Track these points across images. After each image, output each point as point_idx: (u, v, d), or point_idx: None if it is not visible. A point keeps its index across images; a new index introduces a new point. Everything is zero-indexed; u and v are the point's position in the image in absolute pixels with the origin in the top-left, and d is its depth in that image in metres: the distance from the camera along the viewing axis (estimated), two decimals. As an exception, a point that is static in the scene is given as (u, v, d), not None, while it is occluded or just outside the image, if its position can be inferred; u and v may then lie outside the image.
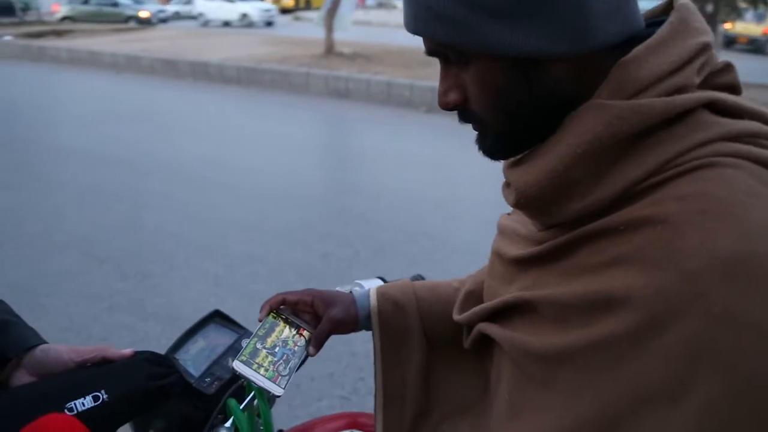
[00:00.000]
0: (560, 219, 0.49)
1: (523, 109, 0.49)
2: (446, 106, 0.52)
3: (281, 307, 0.85)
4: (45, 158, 5.22)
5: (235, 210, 4.12)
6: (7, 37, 11.19)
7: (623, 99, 0.45)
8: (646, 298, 0.39)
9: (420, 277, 1.02)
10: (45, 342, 0.78)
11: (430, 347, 0.80)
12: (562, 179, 0.47)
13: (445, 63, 0.52)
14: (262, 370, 0.75)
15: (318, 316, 0.84)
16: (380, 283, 0.99)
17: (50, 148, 5.49)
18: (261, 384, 0.73)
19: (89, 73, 9.46)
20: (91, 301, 3.01)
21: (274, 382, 0.75)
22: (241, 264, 3.39)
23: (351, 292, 0.89)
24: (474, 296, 0.73)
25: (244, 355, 0.76)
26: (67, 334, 2.72)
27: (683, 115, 0.44)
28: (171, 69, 9.49)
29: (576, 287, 0.46)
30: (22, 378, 0.73)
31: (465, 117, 0.53)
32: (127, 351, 0.77)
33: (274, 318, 0.83)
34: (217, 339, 0.95)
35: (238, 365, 0.74)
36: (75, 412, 0.66)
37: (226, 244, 3.64)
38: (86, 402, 0.67)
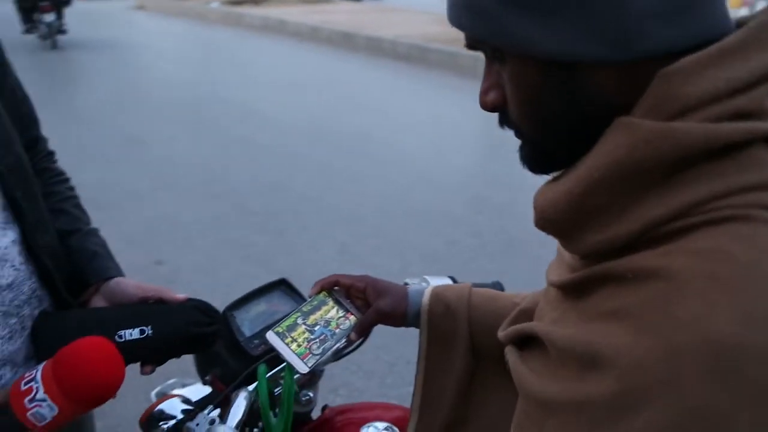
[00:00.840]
0: (582, 250, 0.44)
1: (558, 118, 0.43)
2: (485, 106, 0.48)
3: (335, 288, 0.86)
4: (229, 115, 5.84)
5: (374, 184, 4.25)
6: (215, 4, 12.62)
7: (662, 119, 0.37)
8: (628, 367, 0.35)
9: (498, 285, 0.96)
10: (122, 275, 0.87)
11: (475, 358, 0.79)
12: (579, 205, 0.41)
13: (487, 59, 0.48)
14: (294, 345, 0.76)
15: (369, 304, 0.84)
16: (448, 282, 0.95)
17: (236, 106, 6.13)
18: (287, 358, 0.75)
19: (276, 41, 10.33)
20: (230, 247, 3.34)
21: (302, 359, 0.75)
22: (367, 236, 3.50)
23: (407, 285, 0.88)
24: (526, 315, 0.68)
25: (281, 327, 0.78)
26: (199, 274, 3.06)
27: (733, 149, 0.36)
28: (347, 42, 9.95)
29: (579, 333, 0.41)
30: (97, 302, 0.83)
31: (504, 121, 0.48)
32: (181, 296, 0.83)
33: (324, 297, 0.84)
34: (279, 306, 0.99)
35: (270, 335, 0.76)
36: (123, 339, 0.74)
37: (358, 215, 3.78)
38: (134, 333, 0.75)
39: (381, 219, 3.72)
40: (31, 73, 7.25)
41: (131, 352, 0.74)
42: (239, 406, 0.75)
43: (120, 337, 0.75)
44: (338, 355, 0.88)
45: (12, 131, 0.74)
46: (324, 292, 0.85)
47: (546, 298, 0.60)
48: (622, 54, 0.37)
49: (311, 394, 0.96)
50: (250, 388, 0.79)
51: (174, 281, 2.96)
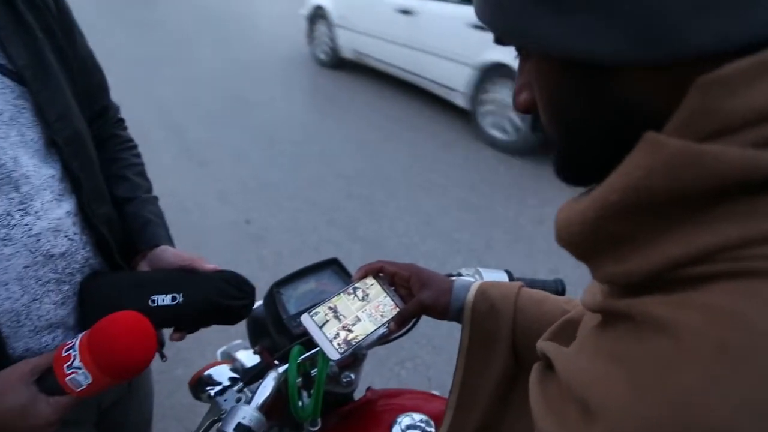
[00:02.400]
0: (602, 279, 0.39)
1: (581, 124, 0.38)
2: (517, 107, 0.44)
3: (379, 274, 0.85)
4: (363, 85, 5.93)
5: (465, 153, 4.15)
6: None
7: (693, 138, 0.30)
8: (612, 422, 0.31)
9: (560, 284, 0.91)
10: (170, 243, 0.91)
11: (516, 363, 0.76)
12: (594, 229, 0.36)
13: (520, 57, 0.44)
14: (329, 330, 0.76)
15: (412, 294, 0.83)
16: (503, 277, 0.91)
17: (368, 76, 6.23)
18: (320, 343, 0.74)
19: None
20: (318, 210, 3.43)
21: (335, 346, 0.75)
22: (453, 208, 3.45)
23: (458, 276, 0.85)
24: (572, 326, 0.63)
25: (319, 310, 0.78)
26: (288, 234, 3.17)
27: None
28: None
29: (583, 370, 0.37)
30: (143, 267, 0.87)
31: (537, 124, 0.44)
32: (210, 266, 0.84)
33: (368, 283, 0.84)
34: (328, 285, 1.00)
35: (306, 318, 0.76)
36: (156, 304, 0.77)
37: (447, 185, 3.72)
38: (166, 299, 0.77)
39: (468, 192, 3.64)
40: (151, 33, 7.77)
41: (162, 317, 0.76)
42: (266, 387, 0.76)
43: (153, 301, 0.76)
44: (376, 343, 0.88)
45: (73, 103, 0.76)
46: (368, 278, 0.84)
47: (585, 316, 0.56)
48: (649, 54, 0.30)
49: (353, 376, 0.96)
50: (281, 369, 0.80)
51: (261, 240, 3.10)
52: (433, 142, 4.36)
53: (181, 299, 0.77)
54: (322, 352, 0.75)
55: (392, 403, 0.99)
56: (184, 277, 0.80)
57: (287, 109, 5.05)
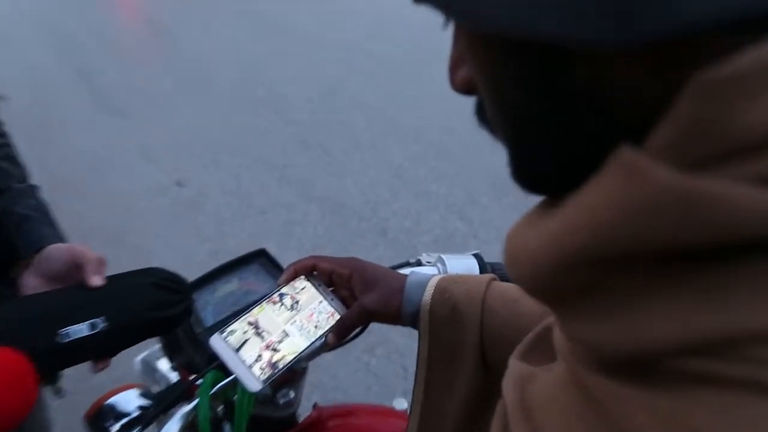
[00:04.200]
0: (571, 337, 0.35)
1: (534, 121, 0.33)
2: (454, 86, 0.39)
3: (313, 273, 0.82)
4: (310, 17, 5.70)
5: (443, 92, 4.07)
6: None
7: (688, 163, 0.24)
8: None
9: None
10: (59, 240, 0.82)
11: (488, 377, 0.74)
12: (552, 278, 0.31)
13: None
14: (248, 353, 0.72)
15: (356, 296, 0.80)
16: (470, 265, 0.87)
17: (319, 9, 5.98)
18: (235, 370, 0.70)
19: None
20: (264, 167, 3.34)
21: (255, 374, 0.70)
22: (428, 157, 3.41)
23: (408, 273, 0.81)
24: (551, 335, 0.61)
25: (234, 327, 0.74)
26: (230, 197, 3.09)
27: None
28: None
29: None
30: (28, 279, 0.79)
31: (480, 112, 0.39)
32: (93, 254, 0.77)
33: (299, 285, 0.80)
34: (254, 284, 0.94)
35: (216, 340, 0.71)
36: (69, 339, 0.69)
37: (421, 129, 3.66)
38: (82, 329, 0.70)
39: (446, 135, 3.58)
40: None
41: (79, 353, 0.70)
42: (169, 430, 0.71)
43: (64, 336, 0.69)
44: (316, 356, 0.85)
45: None
46: (299, 280, 0.80)
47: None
48: (623, 34, 0.24)
49: (292, 394, 0.92)
50: (190, 406, 0.75)
51: (197, 206, 3.02)
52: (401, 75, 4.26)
53: (103, 325, 0.71)
54: (239, 383, 0.71)
55: (345, 424, 0.97)
56: (102, 293, 0.74)
57: (223, 41, 4.84)
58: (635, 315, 0.28)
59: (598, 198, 0.27)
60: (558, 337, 0.41)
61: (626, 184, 0.25)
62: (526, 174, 0.36)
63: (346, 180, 3.22)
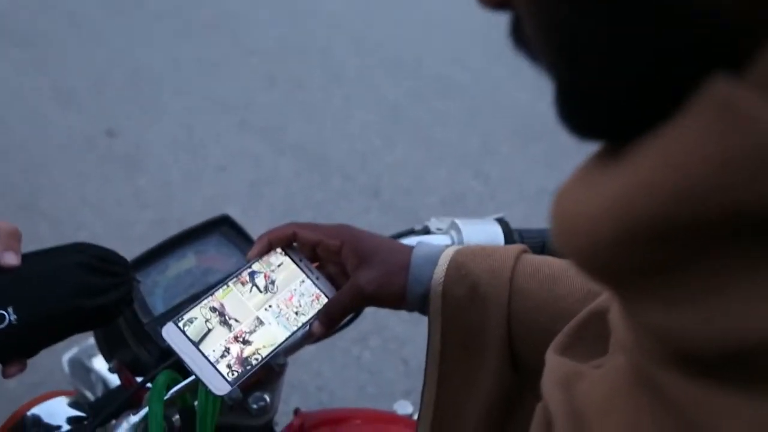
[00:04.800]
0: (638, 320, 0.37)
1: (598, 51, 0.33)
2: (485, 2, 0.39)
3: (293, 245, 0.84)
4: None
5: (451, 2, 4.05)
6: None
7: None
8: None
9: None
10: None
11: (516, 374, 0.77)
12: (616, 252, 0.32)
13: None
14: (211, 347, 0.73)
15: (347, 274, 0.82)
16: (494, 232, 0.89)
17: None
18: (195, 369, 0.71)
19: None
20: (220, 109, 3.35)
21: (221, 372, 0.72)
22: (431, 93, 3.42)
23: (413, 245, 0.84)
24: (600, 322, 0.64)
25: (194, 315, 0.75)
26: (176, 150, 3.10)
27: None
28: None
29: None
30: None
31: (518, 35, 0.39)
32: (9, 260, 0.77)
33: (275, 260, 0.81)
34: (216, 260, 0.96)
35: (170, 330, 0.73)
36: None
37: (422, 57, 3.67)
38: None
39: (454, 68, 3.58)
40: None
41: None
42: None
43: None
44: (297, 349, 0.87)
45: None
46: (275, 253, 0.82)
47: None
48: None
49: (267, 398, 0.94)
50: (139, 415, 0.76)
51: (134, 163, 3.03)
52: (396, -14, 4.22)
53: (13, 318, 0.72)
54: (201, 384, 0.72)
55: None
56: (15, 276, 0.74)
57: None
58: (728, 300, 0.29)
59: (683, 148, 0.27)
60: (617, 324, 0.42)
61: (723, 129, 0.26)
62: (579, 113, 0.37)
63: (325, 124, 3.23)
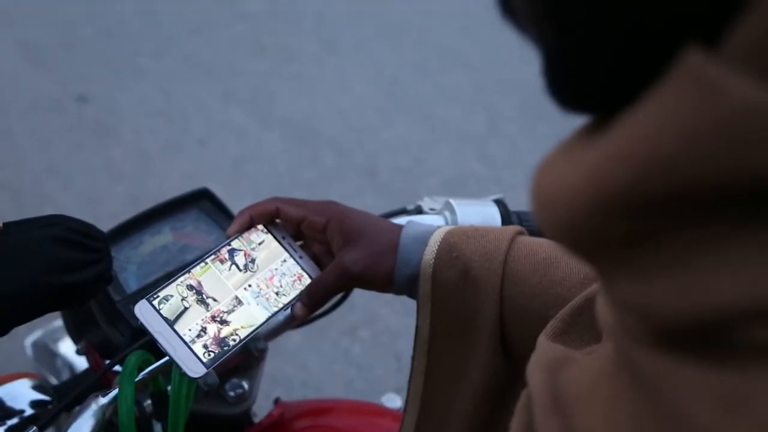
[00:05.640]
0: (612, 297, 0.40)
1: (587, 17, 0.35)
2: None
3: (276, 221, 0.85)
4: None
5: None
6: None
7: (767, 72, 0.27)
8: None
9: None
10: None
11: (508, 361, 0.79)
12: (593, 222, 0.34)
13: None
14: (186, 326, 0.75)
15: (332, 253, 0.83)
16: (491, 213, 0.91)
17: None
18: (169, 350, 0.73)
19: None
20: (203, 76, 3.36)
21: (197, 353, 0.73)
22: (434, 66, 3.43)
23: (404, 224, 0.85)
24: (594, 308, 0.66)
25: (170, 292, 0.76)
26: (155, 119, 3.11)
27: None
28: None
29: None
30: None
31: (505, 5, 0.42)
32: None
33: (256, 237, 0.83)
34: (194, 237, 0.97)
35: (143, 308, 0.74)
36: None
37: (424, 27, 3.66)
38: None
39: (459, 39, 3.58)
40: None
41: None
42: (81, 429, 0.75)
43: None
44: (280, 332, 0.90)
45: None
46: (256, 230, 0.83)
47: None
48: None
49: (246, 385, 0.96)
50: (109, 396, 0.78)
51: (108, 131, 3.04)
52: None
53: None
54: (175, 365, 0.74)
55: (317, 425, 1.01)
56: None
57: None
58: (698, 272, 0.31)
59: (657, 118, 0.29)
60: (602, 307, 0.44)
61: (695, 100, 0.28)
62: (566, 84, 0.39)
63: (317, 97, 3.24)
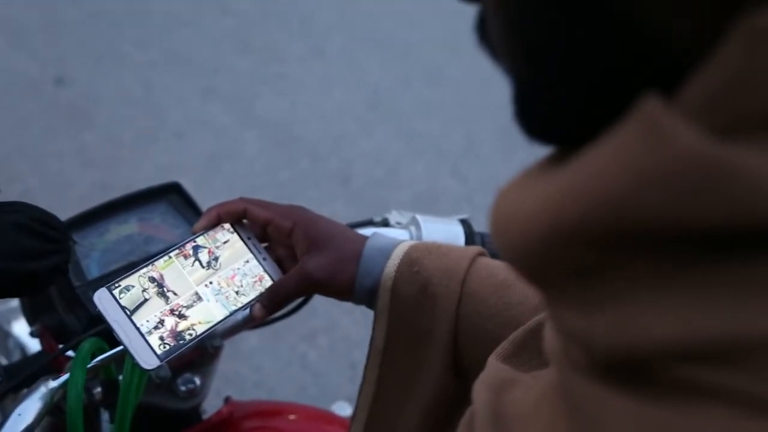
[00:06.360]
0: (556, 324, 0.42)
1: (553, 50, 0.37)
2: None
3: (243, 221, 0.86)
4: None
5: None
6: None
7: (725, 126, 0.29)
8: None
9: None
10: None
11: (460, 383, 0.79)
12: (544, 251, 0.36)
13: None
14: (144, 317, 0.75)
15: (296, 258, 0.83)
16: (455, 232, 0.92)
17: None
18: (124, 339, 0.73)
19: None
20: (185, 69, 3.35)
21: (152, 345, 0.74)
22: (418, 80, 3.43)
23: (368, 235, 0.86)
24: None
25: (130, 282, 0.77)
26: (131, 107, 3.09)
27: None
28: None
29: None
30: None
31: (483, 29, 0.43)
32: None
33: (222, 236, 0.84)
34: (160, 229, 0.98)
35: (102, 296, 0.75)
36: None
37: (413, 40, 3.68)
38: None
39: (446, 56, 3.60)
40: None
41: None
42: (26, 414, 0.74)
43: None
44: (238, 330, 0.91)
45: None
46: (221, 228, 0.84)
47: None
48: None
49: (198, 381, 0.96)
50: (59, 380, 0.78)
51: (83, 115, 3.03)
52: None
53: None
54: (129, 355, 0.75)
55: (265, 427, 1.02)
56: None
57: None
58: (633, 307, 0.32)
59: (609, 159, 0.31)
60: (549, 333, 0.46)
61: (645, 145, 0.30)
62: (533, 115, 0.41)
63: (298, 100, 3.24)
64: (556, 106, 0.39)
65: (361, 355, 2.23)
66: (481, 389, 0.51)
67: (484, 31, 0.42)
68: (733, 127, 0.29)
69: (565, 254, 0.34)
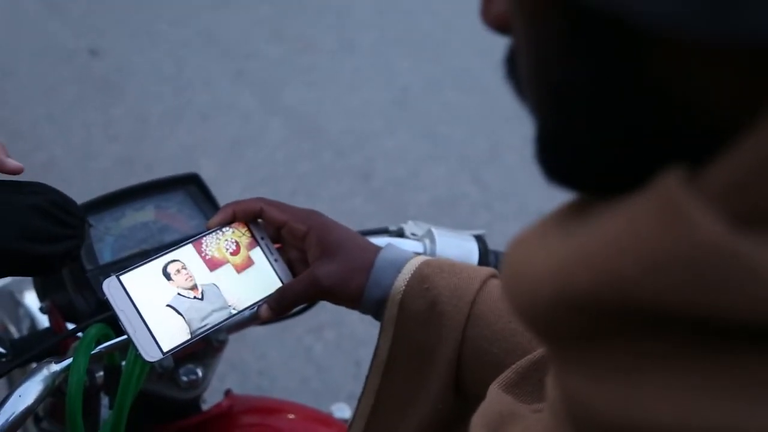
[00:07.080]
0: (560, 385, 0.40)
1: (582, 105, 0.36)
2: (487, 20, 0.43)
3: (258, 221, 0.86)
4: None
5: None
6: None
7: (739, 211, 0.28)
8: None
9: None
10: None
11: (459, 404, 0.79)
12: (552, 313, 0.35)
13: None
14: (151, 310, 0.75)
15: (308, 262, 0.83)
16: (469, 248, 0.92)
17: None
18: (129, 329, 0.73)
19: None
20: (217, 52, 3.35)
21: (154, 337, 0.74)
22: (448, 83, 3.42)
23: (382, 246, 0.86)
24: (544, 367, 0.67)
25: (141, 272, 0.77)
26: (161, 84, 3.10)
27: None
28: None
29: None
30: None
31: (512, 68, 0.43)
32: (13, 164, 0.81)
33: (235, 234, 0.83)
34: (176, 219, 0.98)
35: (111, 284, 0.75)
36: None
37: (446, 44, 3.66)
38: None
39: (478, 62, 3.59)
40: None
41: None
42: (25, 397, 0.74)
43: None
44: (243, 327, 0.92)
45: None
46: (236, 226, 0.84)
47: None
48: (717, 23, 0.27)
49: (200, 372, 0.96)
50: (62, 364, 0.78)
51: (112, 88, 3.04)
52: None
53: None
54: (132, 346, 0.75)
55: (263, 424, 1.01)
56: None
57: None
58: (638, 385, 0.32)
59: (623, 231, 0.30)
60: (551, 382, 0.45)
61: (662, 225, 0.29)
62: (555, 160, 0.40)
63: (326, 93, 3.23)
64: (578, 155, 0.38)
65: (366, 354, 2.23)
66: (478, 424, 0.51)
67: (512, 67, 0.42)
68: (753, 218, 0.28)
69: (572, 320, 0.34)
